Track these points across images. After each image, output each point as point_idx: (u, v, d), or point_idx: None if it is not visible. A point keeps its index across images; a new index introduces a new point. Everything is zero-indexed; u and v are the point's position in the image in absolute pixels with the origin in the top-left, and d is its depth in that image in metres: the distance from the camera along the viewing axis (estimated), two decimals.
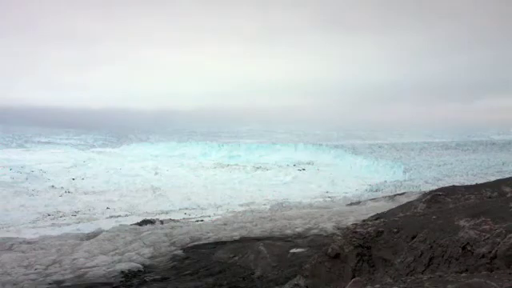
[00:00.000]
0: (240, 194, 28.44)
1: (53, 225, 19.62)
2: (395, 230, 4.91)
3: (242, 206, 23.83)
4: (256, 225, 12.59)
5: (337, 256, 5.13)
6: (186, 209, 23.61)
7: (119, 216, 21.60)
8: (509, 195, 6.30)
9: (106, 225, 17.52)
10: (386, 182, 30.28)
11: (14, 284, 8.45)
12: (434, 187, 16.51)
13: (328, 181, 34.21)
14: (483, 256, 3.81)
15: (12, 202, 24.88)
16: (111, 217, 21.44)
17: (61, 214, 22.02)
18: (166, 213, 22.26)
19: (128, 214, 22.24)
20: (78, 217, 21.44)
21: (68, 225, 19.47)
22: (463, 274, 3.42)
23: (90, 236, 12.55)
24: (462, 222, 4.37)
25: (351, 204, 18.40)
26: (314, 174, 39.21)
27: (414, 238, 4.63)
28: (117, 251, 10.50)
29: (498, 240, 3.80)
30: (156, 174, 39.45)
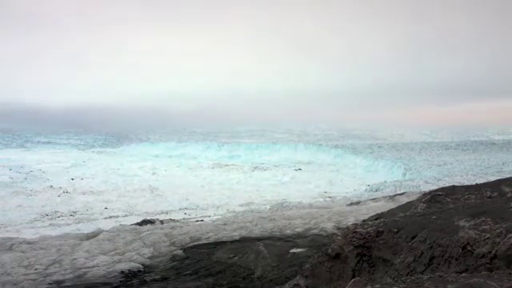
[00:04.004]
0: (238, 194, 28.46)
1: (50, 225, 19.62)
2: (395, 230, 4.92)
3: (241, 206, 23.85)
4: (256, 225, 12.58)
5: (337, 256, 5.13)
6: (186, 209, 23.63)
7: (118, 216, 21.61)
8: (509, 195, 6.30)
9: (106, 225, 17.54)
10: (385, 182, 30.30)
11: (14, 284, 8.45)
12: (434, 187, 16.51)
13: (328, 181, 34.23)
14: (483, 256, 3.81)
15: (10, 202, 24.89)
16: (111, 217, 21.45)
17: (59, 214, 22.02)
18: (166, 213, 22.27)
19: (127, 214, 22.25)
20: (75, 217, 21.45)
21: (68, 225, 19.48)
22: (463, 274, 3.42)
23: (90, 236, 12.55)
24: (461, 222, 4.37)
25: (351, 204, 18.40)
26: (314, 173, 39.22)
27: (413, 238, 4.63)
28: (117, 251, 10.49)
29: (498, 240, 3.80)
30: (153, 174, 39.48)
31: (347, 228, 5.43)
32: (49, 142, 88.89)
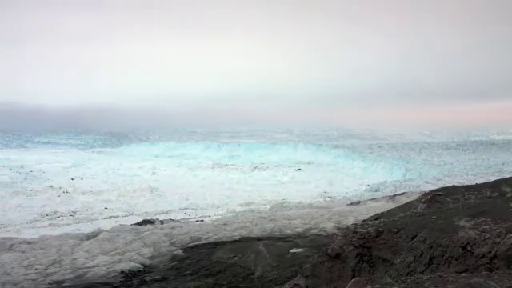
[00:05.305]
0: (238, 194, 28.40)
1: (50, 225, 19.57)
2: (395, 230, 4.92)
3: (241, 206, 23.82)
4: (256, 225, 12.59)
5: (337, 256, 5.13)
6: (186, 209, 23.60)
7: (118, 216, 21.57)
8: (509, 195, 6.30)
9: (106, 225, 17.53)
10: (385, 181, 30.28)
11: (14, 284, 8.45)
12: (434, 187, 16.52)
13: (328, 181, 34.19)
14: (483, 256, 3.81)
15: (10, 202, 24.83)
16: (111, 217, 21.42)
17: (58, 215, 21.96)
18: (166, 213, 22.24)
19: (127, 214, 22.22)
20: (75, 217, 21.39)
21: (68, 225, 19.45)
22: (463, 274, 3.42)
23: (90, 236, 12.55)
24: (462, 222, 4.37)
25: (351, 204, 18.41)
26: (314, 173, 39.19)
27: (413, 238, 4.63)
28: (117, 251, 10.50)
29: (498, 240, 3.80)
30: (153, 174, 39.44)
31: (347, 228, 5.43)
32: (49, 142, 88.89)
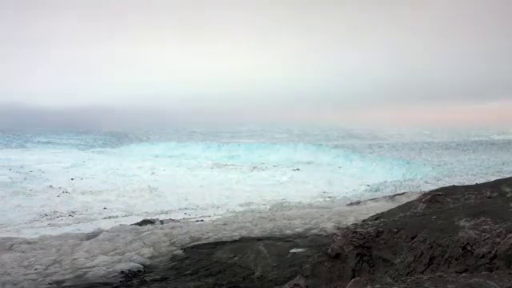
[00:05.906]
0: (237, 194, 28.38)
1: (49, 225, 19.56)
2: (395, 230, 4.92)
3: (241, 206, 23.81)
4: (256, 225, 12.58)
5: (337, 256, 5.13)
6: (186, 209, 23.58)
7: (117, 216, 21.57)
8: (509, 195, 6.29)
9: (106, 225, 17.53)
10: (385, 181, 30.26)
11: (14, 284, 8.45)
12: (434, 187, 16.49)
13: (327, 181, 34.17)
14: (483, 256, 3.82)
15: (9, 202, 24.81)
16: (110, 217, 21.41)
17: (58, 215, 21.94)
18: (166, 213, 22.23)
19: (127, 214, 22.21)
20: (74, 217, 21.37)
21: (68, 225, 19.45)
22: (463, 274, 3.42)
23: (90, 236, 12.55)
24: (462, 222, 4.37)
25: (351, 204, 18.40)
26: (314, 173, 39.17)
27: (413, 238, 4.63)
28: (117, 251, 10.49)
29: (498, 240, 3.81)
30: (152, 174, 39.43)
31: (347, 228, 5.43)
32: (49, 142, 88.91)
